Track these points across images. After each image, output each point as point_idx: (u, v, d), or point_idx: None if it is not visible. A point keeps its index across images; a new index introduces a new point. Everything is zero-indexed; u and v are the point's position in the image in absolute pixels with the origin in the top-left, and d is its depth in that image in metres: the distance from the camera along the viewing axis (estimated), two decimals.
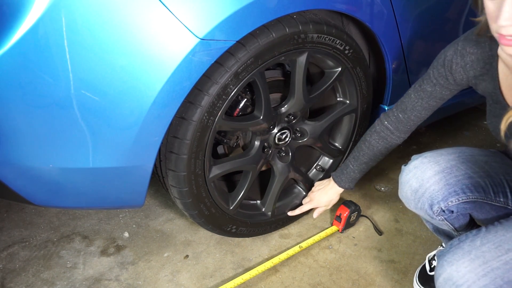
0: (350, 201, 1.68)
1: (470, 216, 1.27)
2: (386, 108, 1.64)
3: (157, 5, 1.02)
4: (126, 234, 1.64)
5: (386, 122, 1.37)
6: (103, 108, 1.08)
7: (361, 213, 1.71)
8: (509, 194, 1.17)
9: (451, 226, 1.25)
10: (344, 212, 1.64)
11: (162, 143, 1.19)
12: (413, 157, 1.23)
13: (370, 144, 1.42)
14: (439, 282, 0.99)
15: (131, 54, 1.04)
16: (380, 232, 1.68)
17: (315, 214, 1.65)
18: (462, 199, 1.14)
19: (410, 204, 1.23)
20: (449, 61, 1.17)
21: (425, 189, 1.16)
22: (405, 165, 1.23)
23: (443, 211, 1.16)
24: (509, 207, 1.18)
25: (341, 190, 1.56)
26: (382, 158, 1.46)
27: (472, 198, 1.15)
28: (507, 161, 1.23)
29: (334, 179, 1.55)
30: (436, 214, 1.18)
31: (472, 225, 1.29)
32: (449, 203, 1.14)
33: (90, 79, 1.04)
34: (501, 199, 1.17)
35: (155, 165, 1.32)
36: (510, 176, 1.19)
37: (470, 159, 1.19)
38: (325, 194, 1.60)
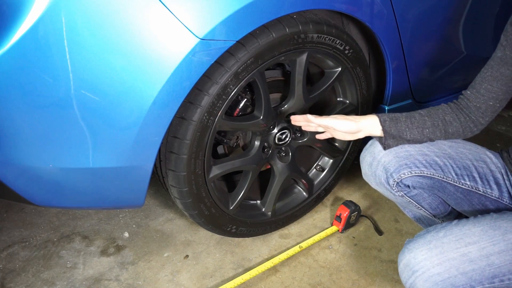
0: (350, 201, 1.68)
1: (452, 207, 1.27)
2: (386, 108, 1.64)
3: (157, 5, 1.02)
4: (126, 234, 1.64)
5: (452, 104, 1.21)
6: (103, 108, 1.08)
7: (361, 213, 1.71)
8: (478, 179, 1.19)
9: (418, 205, 1.27)
10: (344, 212, 1.64)
11: (162, 143, 1.19)
12: None
13: (437, 108, 1.20)
14: (400, 268, 1.05)
15: (131, 54, 1.04)
16: (380, 232, 1.68)
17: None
18: (415, 172, 1.16)
19: (371, 181, 1.25)
20: None
21: (378, 161, 1.20)
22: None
23: (399, 184, 1.19)
24: (480, 192, 1.19)
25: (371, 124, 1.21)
26: (438, 133, 1.18)
27: (426, 174, 1.16)
28: (483, 150, 1.22)
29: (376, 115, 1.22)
30: (394, 190, 1.20)
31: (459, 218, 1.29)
32: (402, 175, 1.17)
33: (90, 79, 1.04)
34: (467, 183, 1.18)
35: (155, 165, 1.32)
36: (479, 163, 1.19)
37: (429, 142, 1.21)
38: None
